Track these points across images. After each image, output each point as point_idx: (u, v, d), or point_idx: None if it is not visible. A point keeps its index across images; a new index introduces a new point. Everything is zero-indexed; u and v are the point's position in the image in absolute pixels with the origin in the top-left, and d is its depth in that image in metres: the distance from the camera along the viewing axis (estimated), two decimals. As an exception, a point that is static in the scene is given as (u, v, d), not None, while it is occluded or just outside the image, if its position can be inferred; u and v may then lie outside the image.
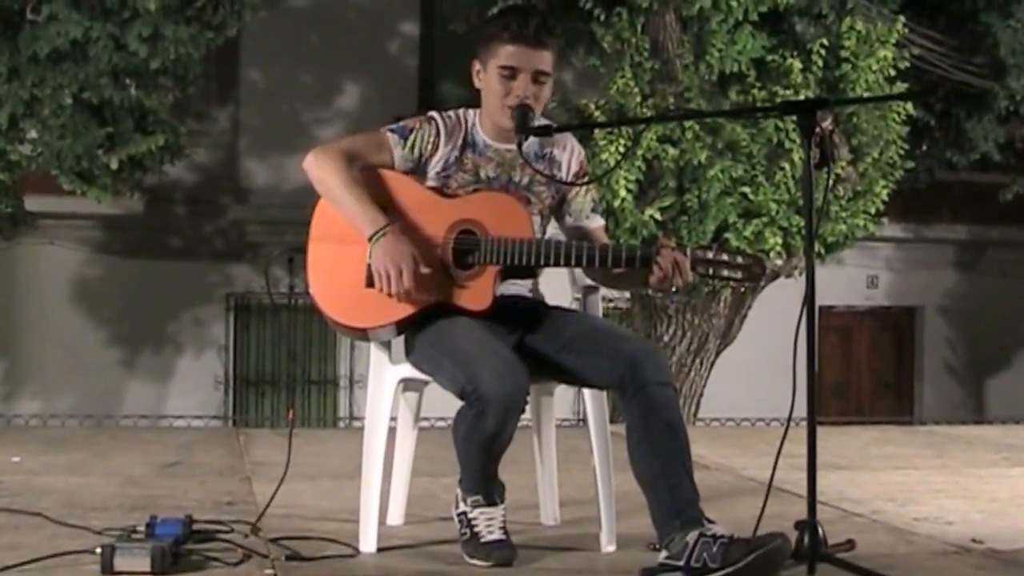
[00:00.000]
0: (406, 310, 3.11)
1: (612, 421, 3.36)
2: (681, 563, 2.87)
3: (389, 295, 3.06)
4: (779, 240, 8.62)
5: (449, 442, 3.12)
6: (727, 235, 8.54)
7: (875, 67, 8.75)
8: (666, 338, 9.43)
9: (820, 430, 2.90)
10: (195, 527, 3.23)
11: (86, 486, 4.38)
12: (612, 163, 8.08)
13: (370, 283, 3.11)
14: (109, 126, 8.65)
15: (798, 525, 2.85)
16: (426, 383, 3.33)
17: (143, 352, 13.06)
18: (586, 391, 3.33)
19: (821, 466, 2.87)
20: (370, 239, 3.08)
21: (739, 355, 10.46)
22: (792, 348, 2.80)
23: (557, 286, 3.54)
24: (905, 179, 9.63)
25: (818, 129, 2.94)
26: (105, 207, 10.21)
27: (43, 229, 12.01)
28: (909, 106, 9.07)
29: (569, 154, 3.37)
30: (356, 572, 3.07)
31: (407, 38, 13.68)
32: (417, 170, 3.25)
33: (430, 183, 3.25)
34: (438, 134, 3.25)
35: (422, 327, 3.14)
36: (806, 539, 2.82)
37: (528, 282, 3.35)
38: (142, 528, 3.14)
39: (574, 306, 3.54)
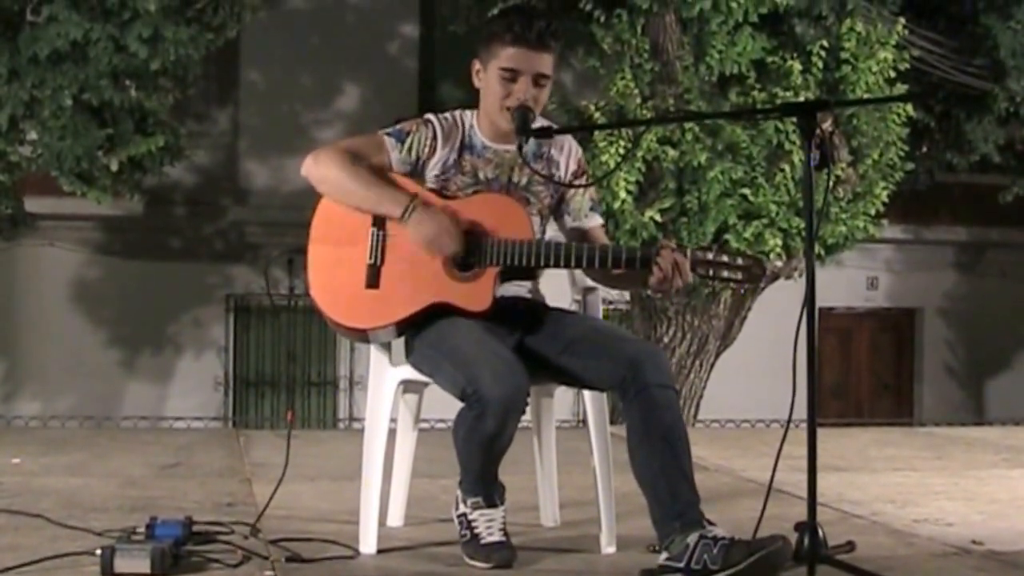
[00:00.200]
0: (406, 311, 3.11)
1: (612, 422, 3.36)
2: (681, 565, 2.87)
3: (443, 263, 3.08)
4: (779, 242, 8.62)
5: (449, 443, 3.12)
6: (727, 236, 8.54)
7: (875, 69, 8.75)
8: (666, 339, 9.42)
9: (820, 432, 2.89)
10: (195, 528, 3.23)
11: (86, 487, 4.38)
12: (612, 165, 8.08)
13: (370, 284, 3.11)
14: (109, 127, 8.65)
15: (798, 527, 2.84)
16: (426, 384, 3.32)
17: (143, 353, 13.06)
18: (586, 392, 3.32)
19: (821, 468, 2.86)
20: (401, 218, 3.09)
21: (739, 356, 10.46)
22: (792, 350, 2.80)
23: (557, 287, 3.53)
24: (905, 181, 9.64)
25: (818, 131, 2.93)
26: (105, 208, 10.23)
27: (43, 230, 12.02)
28: (909, 108, 9.07)
29: (567, 153, 3.36)
30: (356, 573, 3.07)
31: (407, 39, 13.67)
32: (414, 173, 3.24)
33: (429, 185, 3.24)
34: (435, 137, 3.24)
35: (422, 328, 3.14)
36: (806, 541, 2.82)
37: (528, 283, 3.34)
38: (142, 529, 3.15)
39: (574, 307, 3.53)
